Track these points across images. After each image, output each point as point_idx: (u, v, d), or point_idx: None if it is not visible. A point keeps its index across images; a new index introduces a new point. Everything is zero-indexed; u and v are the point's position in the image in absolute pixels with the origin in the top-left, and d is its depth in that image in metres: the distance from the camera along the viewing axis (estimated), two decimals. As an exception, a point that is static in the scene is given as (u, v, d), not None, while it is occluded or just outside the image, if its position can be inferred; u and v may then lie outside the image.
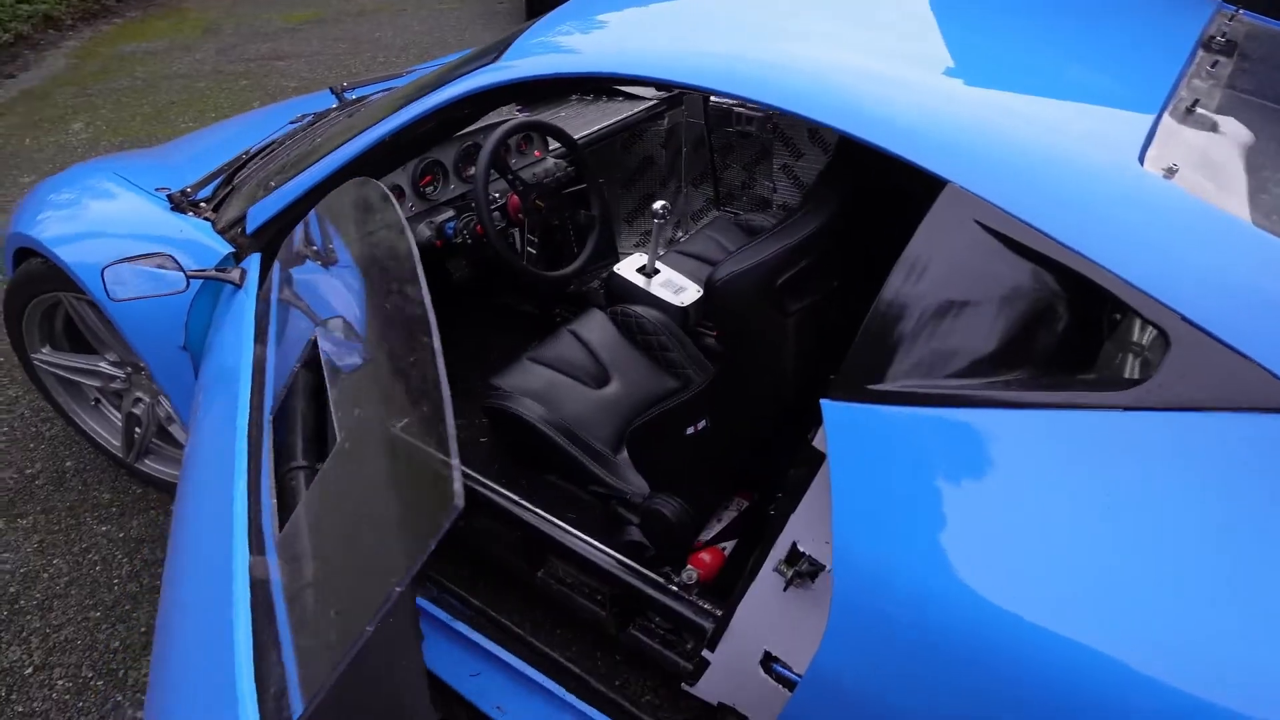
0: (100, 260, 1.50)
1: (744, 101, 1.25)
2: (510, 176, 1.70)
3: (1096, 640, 0.71)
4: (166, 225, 1.54)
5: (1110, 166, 0.85)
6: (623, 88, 2.22)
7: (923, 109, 0.93)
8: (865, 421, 0.87)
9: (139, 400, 1.86)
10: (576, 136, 1.87)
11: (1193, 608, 0.70)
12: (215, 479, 1.05)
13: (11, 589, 1.77)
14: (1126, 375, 0.85)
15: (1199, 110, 0.95)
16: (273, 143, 1.78)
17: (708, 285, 1.06)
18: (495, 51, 1.31)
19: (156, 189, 1.65)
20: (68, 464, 2.10)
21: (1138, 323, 0.83)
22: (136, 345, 1.53)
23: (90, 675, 1.59)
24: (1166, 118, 0.92)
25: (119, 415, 1.96)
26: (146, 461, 1.96)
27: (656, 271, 1.83)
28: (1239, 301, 0.76)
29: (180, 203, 1.58)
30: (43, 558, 1.84)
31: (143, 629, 1.68)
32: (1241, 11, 1.33)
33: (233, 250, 1.45)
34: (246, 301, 1.31)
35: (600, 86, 2.22)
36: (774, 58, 1.05)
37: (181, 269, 1.29)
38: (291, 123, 1.87)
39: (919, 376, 0.87)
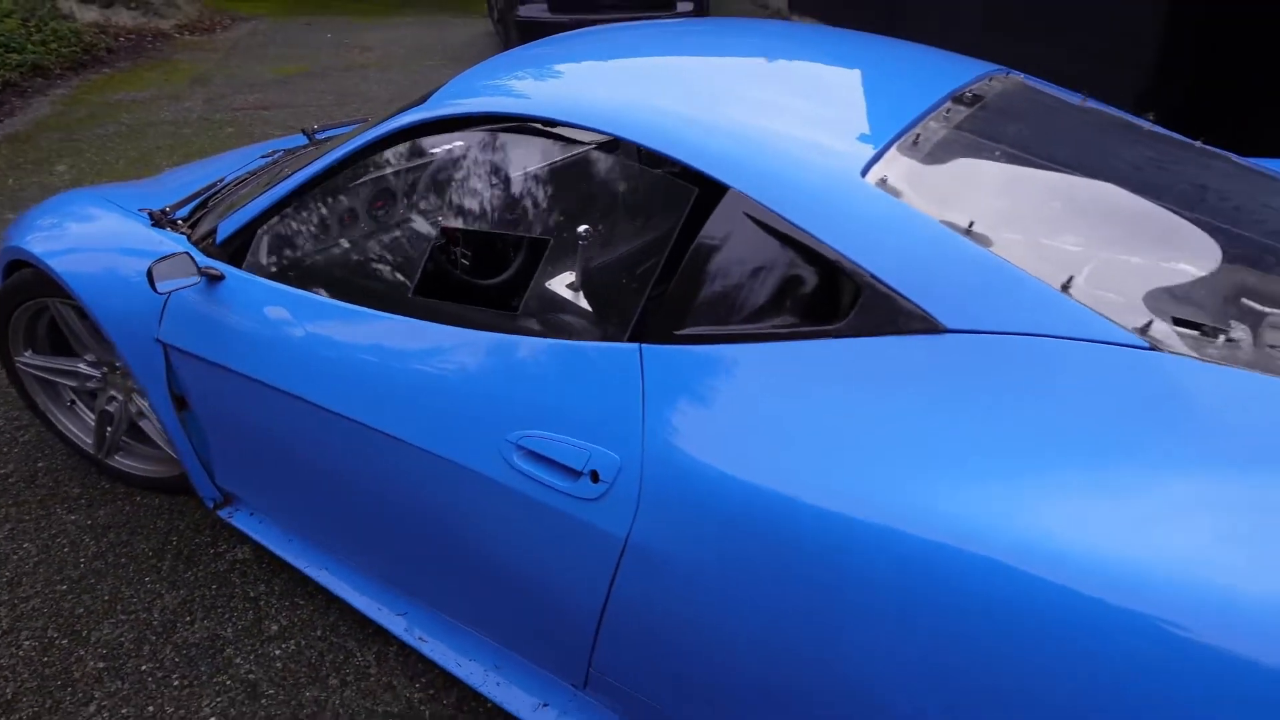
0: (88, 269, 1.92)
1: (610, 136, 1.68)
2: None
3: (833, 503, 1.08)
4: (148, 239, 1.94)
5: (840, 177, 1.26)
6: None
7: (719, 140, 1.35)
8: (676, 357, 1.27)
9: (113, 399, 2.24)
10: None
11: (884, 465, 1.08)
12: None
13: (-14, 567, 2.13)
14: (840, 314, 1.23)
15: (920, 142, 1.37)
16: (246, 173, 2.23)
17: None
18: (424, 96, 1.76)
19: (139, 210, 2.09)
20: (40, 464, 2.46)
21: (846, 279, 1.23)
22: (117, 340, 1.92)
23: (55, 635, 1.91)
24: (894, 147, 1.34)
25: (92, 415, 2.34)
26: (116, 457, 2.32)
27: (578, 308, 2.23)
28: (907, 264, 1.16)
29: (160, 220, 1.98)
30: (13, 543, 2.18)
31: (106, 597, 2.03)
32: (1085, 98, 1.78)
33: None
34: (246, 281, 1.74)
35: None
36: (644, 104, 1.48)
37: (197, 266, 1.71)
38: (263, 156, 2.32)
39: (711, 324, 1.27)
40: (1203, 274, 1.26)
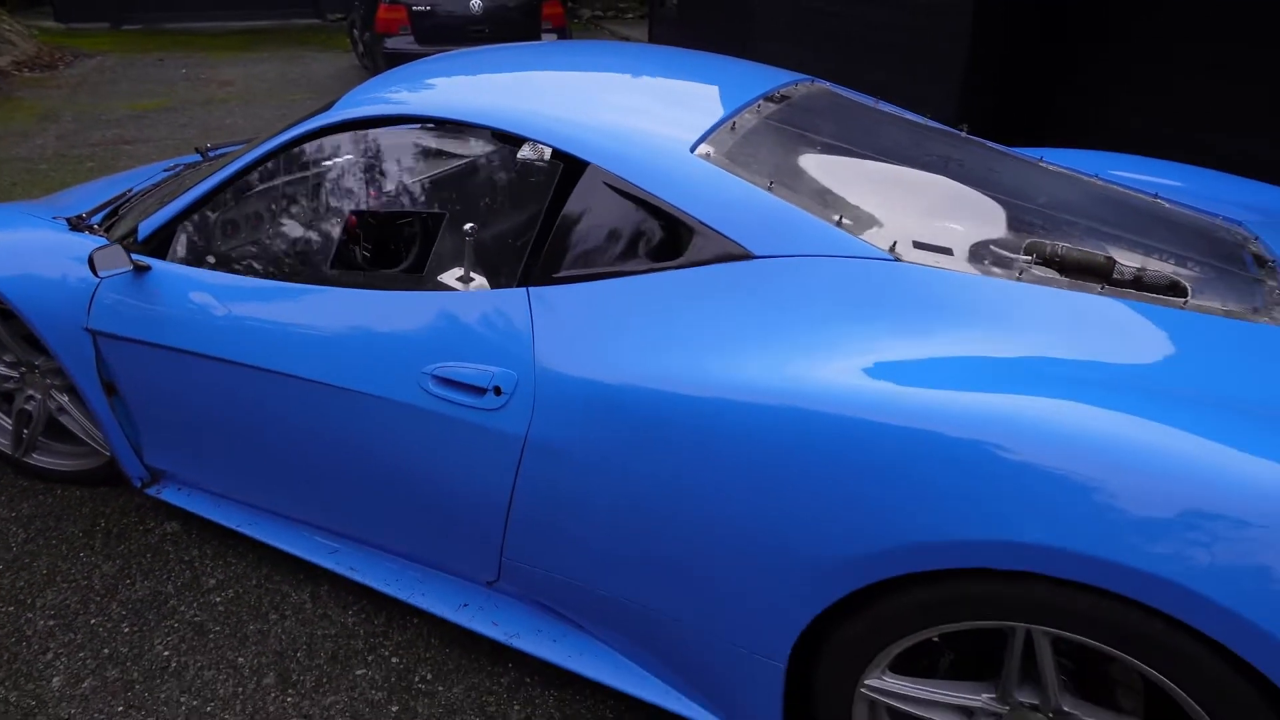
0: (13, 272, 2.17)
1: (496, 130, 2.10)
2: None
3: (677, 386, 1.49)
4: (69, 241, 2.19)
5: (674, 152, 1.70)
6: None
7: (580, 129, 1.78)
8: (555, 295, 1.68)
9: (31, 398, 2.44)
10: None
11: (715, 354, 1.50)
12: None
13: (-85, 560, 2.28)
14: (678, 253, 1.66)
15: (736, 128, 1.85)
16: (153, 184, 2.49)
17: None
18: (328, 103, 2.11)
19: (53, 218, 2.33)
20: (-45, 470, 2.64)
21: (682, 227, 1.66)
22: (47, 334, 2.14)
23: (14, 582, 2.15)
24: (717, 131, 1.81)
25: (8, 418, 2.53)
26: (34, 455, 2.52)
27: (472, 279, 2.60)
28: (726, 213, 1.61)
29: (78, 225, 2.24)
30: (-59, 537, 2.37)
31: (44, 572, 2.22)
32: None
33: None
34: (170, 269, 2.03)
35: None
36: (519, 106, 1.89)
37: (129, 258, 1.97)
38: (165, 170, 2.58)
39: (581, 268, 1.68)
40: (940, 213, 1.78)
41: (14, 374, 2.43)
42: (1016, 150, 2.41)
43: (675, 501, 1.53)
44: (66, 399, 2.41)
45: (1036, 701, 1.37)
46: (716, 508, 1.48)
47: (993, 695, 1.41)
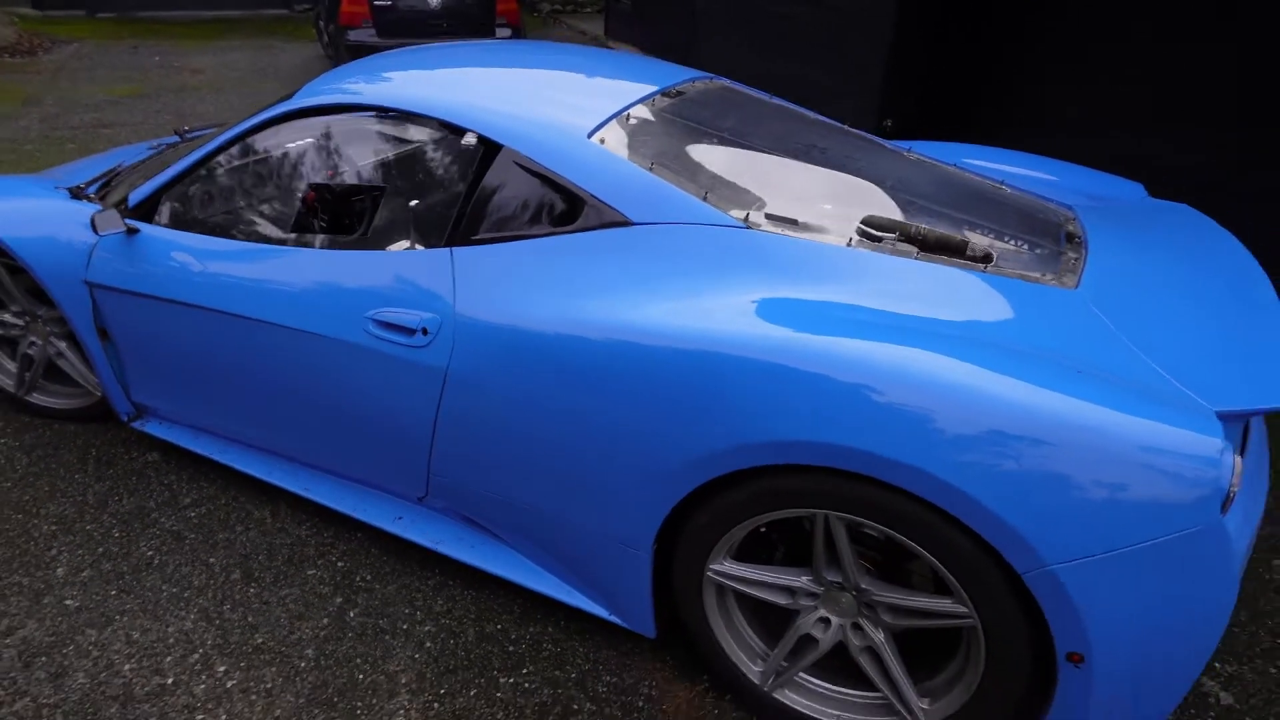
0: (26, 233, 2.47)
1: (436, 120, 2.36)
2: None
3: (568, 327, 1.86)
4: (72, 208, 2.50)
5: (574, 137, 2.04)
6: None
7: (497, 116, 2.12)
8: (473, 254, 2.02)
9: (33, 344, 2.75)
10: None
11: (595, 300, 1.86)
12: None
13: (-69, 481, 2.58)
14: (572, 220, 1.99)
15: (630, 119, 2.20)
16: (139, 161, 2.79)
17: None
18: (291, 92, 2.43)
19: (56, 188, 2.63)
20: (-39, 409, 2.93)
21: (576, 199, 2.01)
22: (51, 286, 2.45)
23: (10, 513, 2.44)
24: (612, 121, 2.16)
25: (12, 361, 2.83)
26: (35, 395, 2.83)
27: (406, 241, 2.93)
28: (612, 188, 1.97)
29: (78, 193, 2.56)
30: (-47, 462, 2.67)
31: (46, 489, 2.54)
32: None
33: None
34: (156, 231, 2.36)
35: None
36: (448, 97, 2.23)
37: (123, 221, 2.30)
38: (150, 149, 2.88)
39: (495, 231, 2.03)
40: (795, 191, 2.14)
41: (19, 323, 2.74)
42: (888, 142, 2.78)
43: (563, 420, 1.87)
44: (64, 345, 2.72)
45: (841, 580, 1.75)
46: (594, 423, 1.83)
47: (810, 577, 1.79)
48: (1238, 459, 1.41)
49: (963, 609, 1.58)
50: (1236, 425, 1.56)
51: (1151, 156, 4.53)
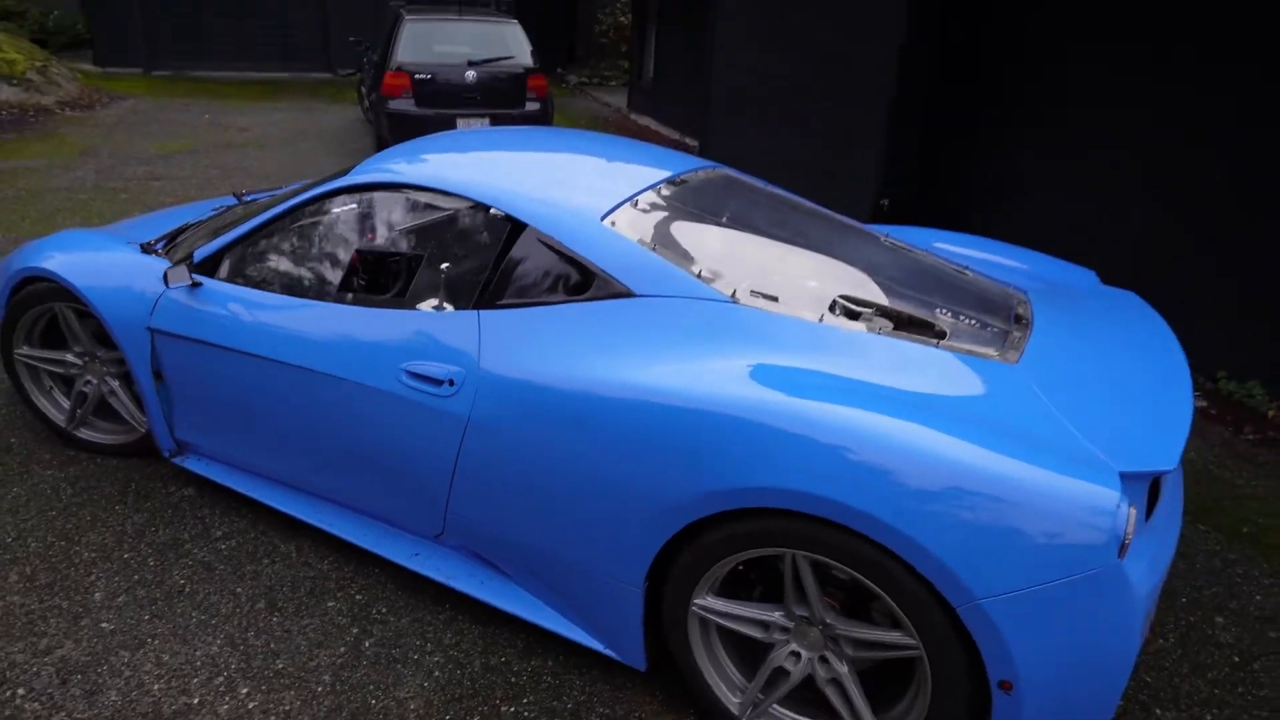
0: (100, 283, 2.68)
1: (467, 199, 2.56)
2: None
3: (578, 384, 2.03)
4: (143, 261, 2.72)
5: (589, 219, 2.25)
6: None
7: (522, 198, 2.33)
8: (497, 316, 2.20)
9: (89, 382, 2.93)
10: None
11: (602, 360, 2.03)
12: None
13: (-16, 505, 2.75)
14: (584, 290, 2.18)
15: (639, 204, 2.41)
16: (204, 220, 3.02)
17: None
18: (345, 169, 2.66)
19: (128, 243, 2.85)
20: (12, 440, 3.08)
21: (589, 272, 2.20)
22: (117, 331, 2.64)
23: (54, 539, 2.58)
24: (623, 206, 2.36)
25: (66, 398, 3.02)
26: (83, 430, 3.01)
27: (440, 303, 3.13)
28: (620, 264, 2.16)
29: (148, 249, 2.78)
30: (5, 487, 2.81)
31: (88, 518, 2.69)
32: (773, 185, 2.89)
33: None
34: (218, 285, 2.57)
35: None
36: (481, 179, 2.45)
37: (190, 274, 2.51)
38: (213, 210, 3.12)
39: (517, 298, 2.22)
40: (780, 271, 2.33)
41: (79, 362, 2.92)
42: (865, 226, 2.98)
43: (569, 466, 2.03)
44: (117, 384, 2.90)
45: (808, 615, 1.89)
46: (596, 469, 1.99)
47: (782, 613, 1.93)
48: (1133, 510, 1.60)
49: (911, 641, 1.73)
50: (1140, 483, 1.79)
51: (1110, 228, 4.75)
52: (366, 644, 2.29)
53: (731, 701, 2.04)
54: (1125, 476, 1.66)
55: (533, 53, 7.95)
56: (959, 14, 5.74)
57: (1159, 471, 1.76)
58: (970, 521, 1.61)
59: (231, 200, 3.40)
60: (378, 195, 2.63)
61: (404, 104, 7.32)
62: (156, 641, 2.25)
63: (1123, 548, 1.58)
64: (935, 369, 1.97)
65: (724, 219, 2.55)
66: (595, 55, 16.39)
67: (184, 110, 10.05)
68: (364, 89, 9.30)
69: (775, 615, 1.93)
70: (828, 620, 1.87)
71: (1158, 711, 2.22)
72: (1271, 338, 4.06)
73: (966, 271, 2.71)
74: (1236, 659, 2.43)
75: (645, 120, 11.49)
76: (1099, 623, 1.62)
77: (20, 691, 2.06)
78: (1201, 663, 2.41)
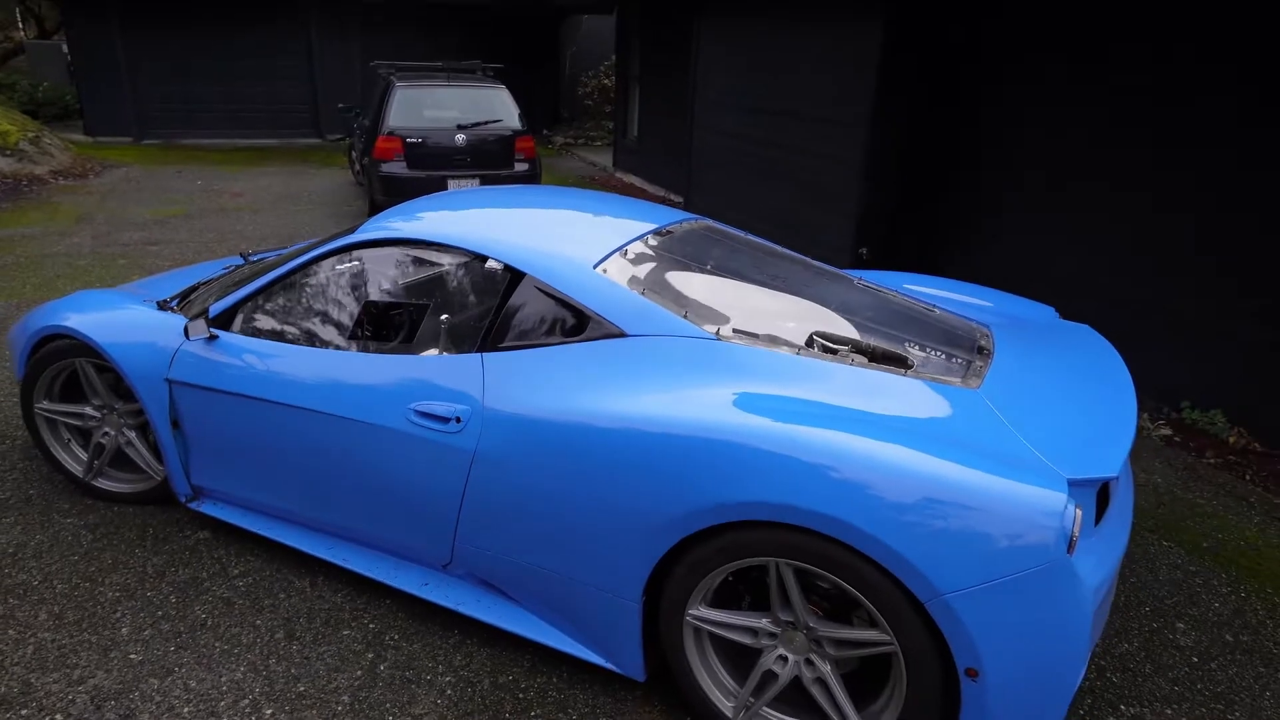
0: (119, 339, 2.89)
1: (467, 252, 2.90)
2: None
3: (573, 417, 2.25)
4: (160, 318, 2.94)
5: (582, 268, 2.49)
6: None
7: (520, 250, 2.58)
8: (499, 358, 2.43)
9: (106, 433, 3.12)
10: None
11: (595, 394, 2.25)
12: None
13: (12, 551, 2.89)
14: (579, 332, 2.42)
15: (628, 254, 2.66)
16: (215, 278, 3.25)
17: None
18: (350, 228, 2.90)
19: (144, 300, 3.07)
20: (31, 491, 3.25)
21: (583, 315, 2.44)
22: (136, 383, 2.85)
23: (79, 581, 2.74)
24: (614, 255, 2.61)
25: (84, 450, 3.20)
26: (100, 480, 3.19)
27: (444, 348, 3.36)
28: (611, 307, 2.40)
29: (164, 306, 3.00)
30: (27, 535, 2.97)
31: (109, 561, 2.85)
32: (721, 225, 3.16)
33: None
34: (233, 338, 2.78)
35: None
36: (480, 234, 2.70)
37: (208, 328, 2.73)
38: (223, 269, 3.35)
39: (517, 340, 2.45)
40: (759, 311, 2.57)
41: (97, 415, 3.12)
42: (841, 270, 3.25)
43: (569, 490, 2.24)
44: (134, 435, 3.09)
45: (793, 620, 2.08)
46: (594, 492, 2.19)
47: (769, 619, 2.12)
48: (1079, 511, 1.83)
49: (886, 637, 1.93)
50: (1088, 490, 2.03)
51: (1078, 273, 5.06)
52: (381, 667, 2.46)
53: (725, 705, 2.21)
54: (1073, 483, 1.89)
55: (520, 115, 8.34)
56: (929, 79, 6.15)
57: (1103, 478, 2.00)
58: (935, 525, 1.82)
59: (238, 260, 3.64)
60: (382, 251, 2.88)
61: (396, 167, 7.65)
62: (183, 670, 2.40)
63: (1071, 544, 1.79)
64: (903, 395, 2.20)
65: (707, 265, 2.81)
66: (581, 116, 16.97)
67: (176, 177, 10.35)
68: (354, 154, 9.66)
69: (763, 622, 2.13)
70: (811, 624, 2.06)
71: (1122, 708, 2.42)
72: (1232, 370, 4.35)
73: (934, 309, 2.95)
74: (1195, 659, 2.64)
75: (630, 178, 11.91)
76: (1053, 612, 1.83)
77: (58, 718, 2.21)
78: (1163, 663, 2.62)
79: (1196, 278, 4.49)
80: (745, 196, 8.18)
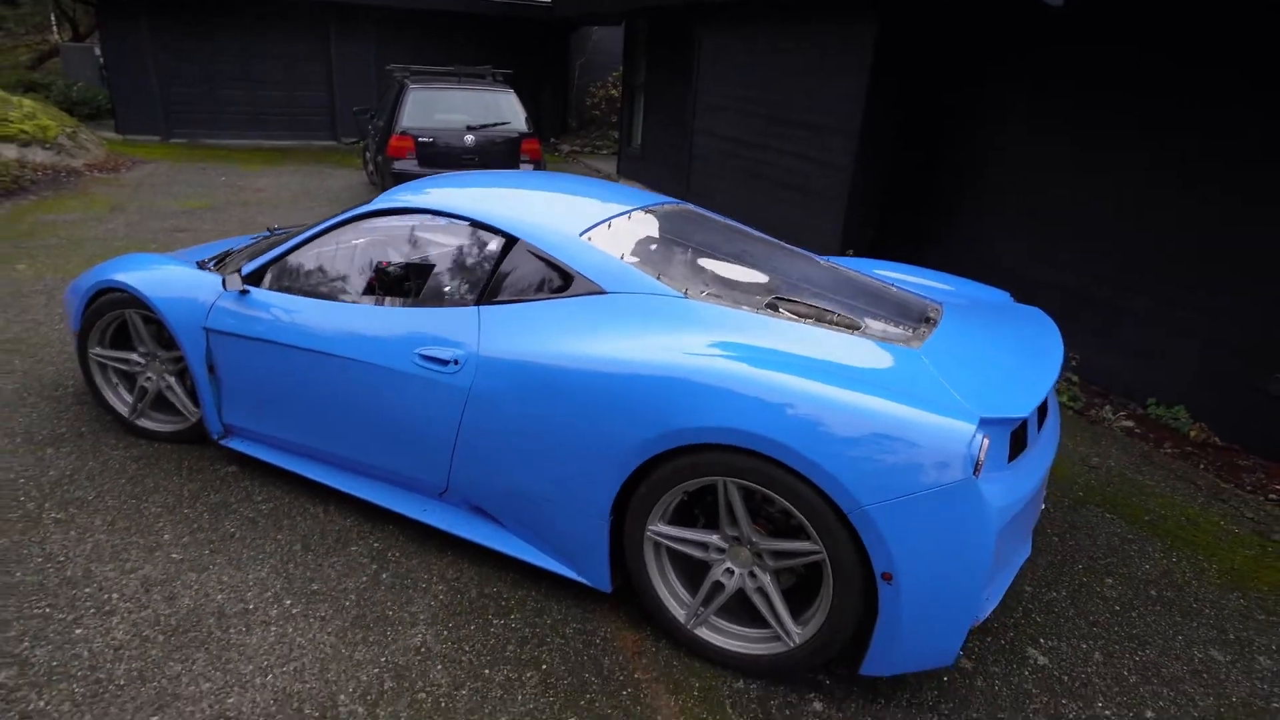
0: (164, 292, 3.29)
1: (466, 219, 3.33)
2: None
3: (556, 360, 2.63)
4: (200, 276, 3.34)
5: (570, 235, 2.87)
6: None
7: (516, 219, 2.97)
8: (493, 310, 2.82)
9: (149, 378, 3.52)
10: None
11: (574, 339, 2.64)
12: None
13: (70, 474, 3.29)
14: (564, 289, 2.80)
15: (612, 226, 3.04)
16: (246, 245, 3.66)
17: None
18: (367, 200, 3.30)
19: (185, 262, 3.48)
20: (83, 429, 3.66)
21: (568, 274, 2.81)
22: (177, 331, 3.25)
23: (126, 498, 3.15)
24: (599, 226, 2.99)
25: (129, 392, 3.60)
26: (142, 420, 3.59)
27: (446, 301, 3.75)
28: (594, 268, 2.78)
29: (203, 266, 3.40)
30: (83, 462, 3.38)
31: (151, 485, 3.25)
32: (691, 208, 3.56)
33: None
34: (262, 293, 3.17)
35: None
36: (482, 206, 3.09)
37: (242, 282, 3.12)
38: (251, 239, 3.76)
39: (511, 295, 2.84)
40: (722, 276, 2.95)
41: (142, 361, 3.52)
42: (806, 251, 3.62)
43: (550, 422, 2.61)
44: (173, 380, 3.49)
45: (738, 535, 2.44)
46: (572, 423, 2.56)
47: (719, 535, 2.48)
48: (986, 440, 2.14)
49: (816, 548, 2.27)
50: (1002, 429, 2.34)
51: (1055, 276, 5.43)
52: (384, 576, 2.84)
53: (679, 613, 2.58)
54: (985, 420, 2.20)
55: (527, 119, 8.77)
56: (916, 89, 6.54)
57: (1013, 417, 2.32)
58: (860, 448, 2.15)
59: (265, 234, 4.04)
60: (394, 220, 3.27)
61: (408, 164, 8.07)
62: (216, 568, 2.80)
63: (977, 467, 2.10)
64: (848, 348, 2.53)
65: (682, 240, 3.19)
66: (588, 125, 17.41)
67: (201, 173, 10.80)
68: (368, 154, 10.09)
69: (713, 538, 2.48)
70: (754, 539, 2.41)
71: (1042, 641, 2.76)
72: (1194, 370, 4.66)
73: (891, 287, 3.30)
74: (1118, 609, 2.98)
75: (633, 184, 12.32)
76: (959, 526, 2.13)
77: (114, 596, 2.61)
78: (1086, 610, 2.95)
79: (1163, 279, 4.85)
80: (741, 201, 8.57)
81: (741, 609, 2.52)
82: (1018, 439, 2.49)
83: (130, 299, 3.39)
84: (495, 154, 8.47)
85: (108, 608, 2.56)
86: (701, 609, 2.54)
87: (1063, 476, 3.94)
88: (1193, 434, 4.51)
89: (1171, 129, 4.63)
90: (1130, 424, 4.65)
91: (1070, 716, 2.43)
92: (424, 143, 8.16)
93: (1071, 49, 5.26)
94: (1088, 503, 3.71)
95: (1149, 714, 2.46)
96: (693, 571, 2.61)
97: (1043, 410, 2.79)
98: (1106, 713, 2.45)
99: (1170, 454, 4.31)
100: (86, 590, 2.63)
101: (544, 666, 2.47)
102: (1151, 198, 4.80)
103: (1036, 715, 2.42)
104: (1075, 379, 5.09)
